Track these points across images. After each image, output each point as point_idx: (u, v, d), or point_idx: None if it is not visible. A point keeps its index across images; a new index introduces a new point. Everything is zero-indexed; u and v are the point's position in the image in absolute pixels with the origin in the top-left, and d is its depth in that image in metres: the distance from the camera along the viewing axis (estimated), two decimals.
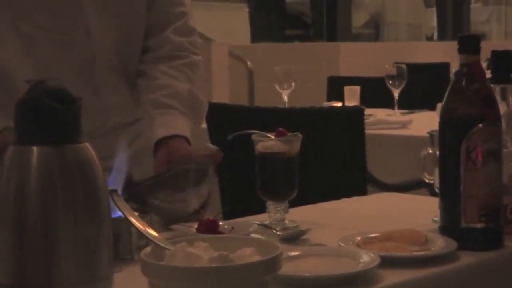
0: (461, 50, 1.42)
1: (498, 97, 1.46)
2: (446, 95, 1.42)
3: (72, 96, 1.10)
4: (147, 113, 1.83)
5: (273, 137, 1.57)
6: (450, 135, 1.40)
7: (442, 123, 1.41)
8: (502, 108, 1.46)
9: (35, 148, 1.05)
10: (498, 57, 1.51)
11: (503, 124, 1.43)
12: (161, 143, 1.74)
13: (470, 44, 1.42)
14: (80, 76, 1.78)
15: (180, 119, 1.80)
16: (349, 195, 1.93)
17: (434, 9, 10.42)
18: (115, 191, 1.16)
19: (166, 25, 1.92)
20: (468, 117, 1.38)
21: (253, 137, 1.58)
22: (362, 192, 2.62)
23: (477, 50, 1.41)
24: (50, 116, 1.06)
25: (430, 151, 1.60)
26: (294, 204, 1.62)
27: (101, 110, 1.83)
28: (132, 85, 1.90)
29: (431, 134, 1.59)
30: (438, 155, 1.46)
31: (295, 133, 1.58)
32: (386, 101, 4.02)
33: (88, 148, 1.09)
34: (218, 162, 1.63)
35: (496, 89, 1.47)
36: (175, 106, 1.81)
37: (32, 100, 1.07)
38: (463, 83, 1.41)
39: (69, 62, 1.78)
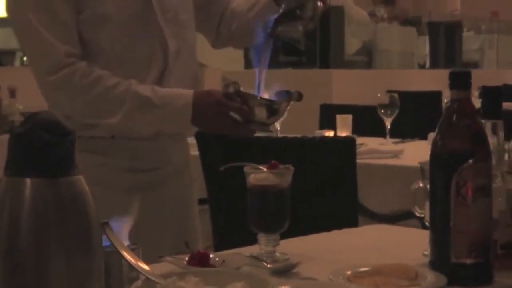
0: (452, 86, 1.43)
1: (489, 132, 1.47)
2: (437, 129, 1.43)
3: (67, 128, 1.11)
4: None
5: (265, 170, 1.58)
6: (440, 170, 1.41)
7: (433, 158, 1.43)
8: (493, 143, 1.47)
9: (28, 180, 1.06)
10: (488, 92, 1.52)
11: (493, 160, 1.44)
12: None
13: (461, 80, 1.43)
14: (155, 83, 1.97)
15: None
16: (340, 225, 1.93)
17: (427, 37, 10.46)
18: (106, 223, 1.17)
19: None
20: (459, 153, 1.39)
21: (245, 169, 1.59)
22: (354, 222, 2.63)
23: (467, 86, 1.43)
24: (44, 148, 1.07)
25: (421, 185, 1.61)
26: (285, 234, 1.62)
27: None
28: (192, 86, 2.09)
29: (422, 167, 1.60)
30: (428, 189, 1.47)
31: (287, 165, 1.59)
32: (378, 130, 4.03)
33: (82, 181, 1.09)
34: None
35: (487, 125, 1.49)
36: None
37: (26, 133, 1.08)
38: (454, 119, 1.42)
39: (148, 73, 1.98)
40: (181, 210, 2.09)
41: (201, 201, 2.86)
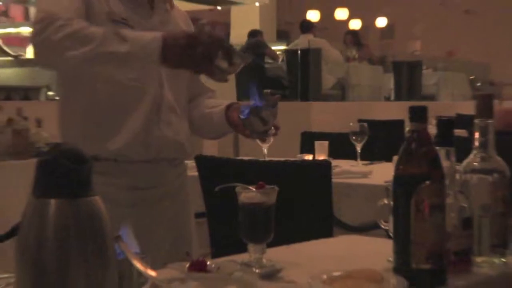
0: (411, 119, 1.45)
1: (443, 157, 1.49)
2: (399, 155, 1.44)
3: (85, 156, 1.12)
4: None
5: (254, 189, 1.59)
6: (402, 190, 1.42)
7: (395, 180, 1.44)
8: (446, 166, 1.49)
9: (52, 201, 1.06)
10: (442, 124, 1.54)
11: (447, 181, 1.45)
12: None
13: (419, 114, 1.44)
14: (150, 113, 1.97)
15: None
16: (318, 235, 1.94)
17: (392, 74, 10.54)
18: (119, 237, 1.17)
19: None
20: (417, 176, 1.40)
21: (237, 189, 1.60)
22: (329, 232, 2.63)
23: (424, 119, 1.44)
24: (66, 174, 1.08)
25: (386, 202, 1.62)
26: (271, 243, 1.63)
27: (159, 140, 1.99)
28: (183, 120, 2.08)
29: (386, 187, 1.61)
30: (392, 206, 1.48)
31: (272, 186, 1.60)
32: (350, 154, 4.04)
33: (98, 201, 1.10)
34: None
35: (441, 151, 1.50)
36: None
37: (51, 160, 1.09)
38: (413, 146, 1.44)
39: (143, 104, 1.97)
40: (176, 226, 2.07)
41: (201, 215, 2.87)
